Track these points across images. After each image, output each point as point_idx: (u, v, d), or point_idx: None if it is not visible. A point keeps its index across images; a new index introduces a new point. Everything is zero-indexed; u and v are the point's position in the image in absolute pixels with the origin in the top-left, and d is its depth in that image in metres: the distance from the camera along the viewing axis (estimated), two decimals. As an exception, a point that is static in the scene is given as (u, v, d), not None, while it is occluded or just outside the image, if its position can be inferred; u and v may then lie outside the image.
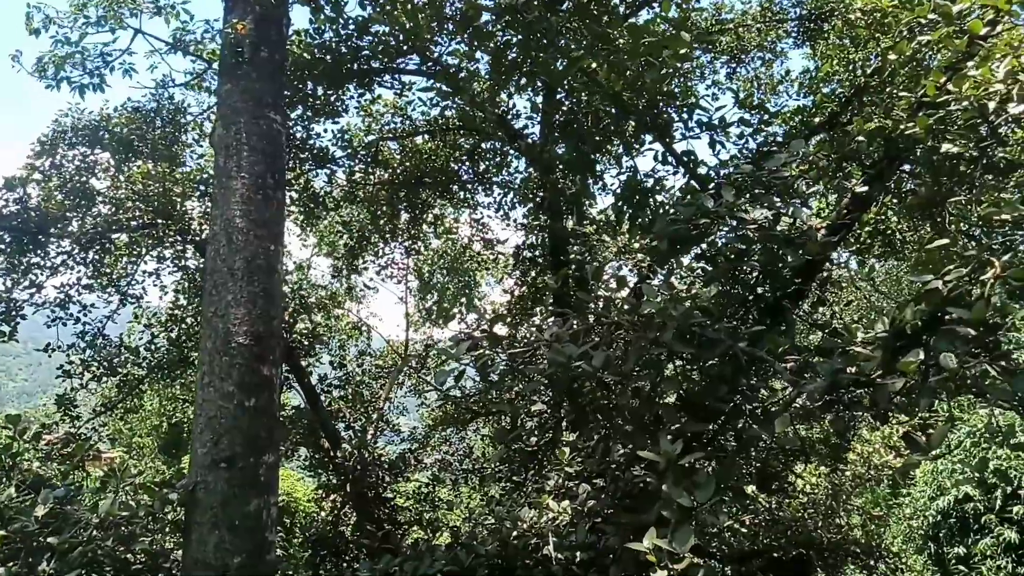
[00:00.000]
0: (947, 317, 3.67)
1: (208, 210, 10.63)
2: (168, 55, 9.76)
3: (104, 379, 10.44)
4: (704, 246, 5.16)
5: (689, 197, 4.89)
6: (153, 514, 4.86)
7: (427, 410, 16.48)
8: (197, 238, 10.44)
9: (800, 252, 5.02)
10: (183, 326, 10.87)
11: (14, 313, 10.13)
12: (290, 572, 9.86)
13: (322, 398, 11.78)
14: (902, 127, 5.17)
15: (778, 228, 4.99)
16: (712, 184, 5.10)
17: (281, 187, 5.84)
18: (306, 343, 11.46)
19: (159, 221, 10.11)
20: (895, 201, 7.08)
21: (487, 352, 3.59)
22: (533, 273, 11.85)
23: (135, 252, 10.79)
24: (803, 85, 10.96)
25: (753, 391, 4.82)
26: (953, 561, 10.48)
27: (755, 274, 5.29)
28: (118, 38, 8.53)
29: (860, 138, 5.38)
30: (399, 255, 14.05)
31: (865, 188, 5.56)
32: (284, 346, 8.55)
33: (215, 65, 9.10)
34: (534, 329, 9.12)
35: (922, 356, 3.63)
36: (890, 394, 3.75)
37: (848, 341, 4.04)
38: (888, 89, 6.78)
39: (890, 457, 12.61)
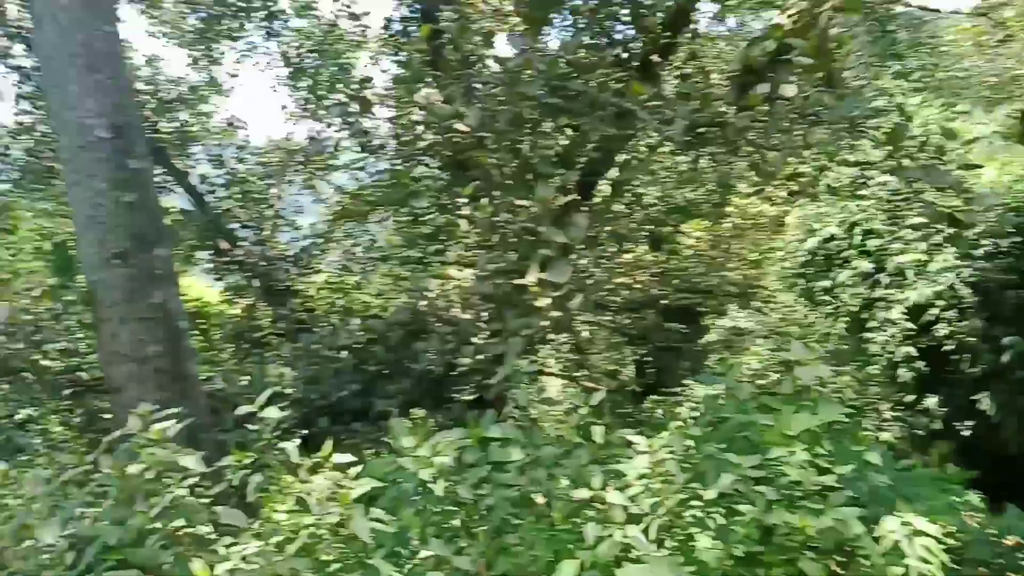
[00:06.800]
0: (788, 51, 3.92)
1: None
2: None
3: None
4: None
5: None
6: (58, 315, 4.91)
7: (324, 207, 16.24)
8: (20, 31, 9.09)
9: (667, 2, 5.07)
10: (36, 134, 9.87)
11: None
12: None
13: (208, 198, 11.39)
14: None
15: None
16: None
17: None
18: (177, 143, 10.75)
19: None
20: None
21: (359, 120, 3.61)
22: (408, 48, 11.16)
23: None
24: None
25: (623, 141, 5.13)
26: (820, 293, 11.99)
27: (625, 31, 5.34)
28: None
29: None
30: (259, 39, 12.73)
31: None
32: (150, 142, 8.03)
33: None
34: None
35: (767, 89, 3.94)
36: (740, 127, 4.11)
37: (704, 84, 4.30)
38: None
39: (766, 206, 13.75)
